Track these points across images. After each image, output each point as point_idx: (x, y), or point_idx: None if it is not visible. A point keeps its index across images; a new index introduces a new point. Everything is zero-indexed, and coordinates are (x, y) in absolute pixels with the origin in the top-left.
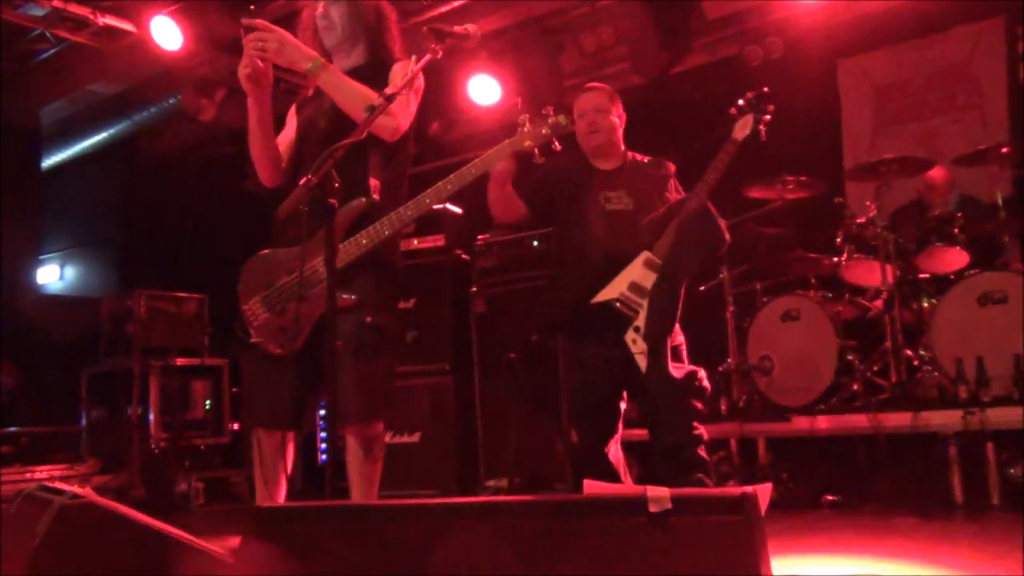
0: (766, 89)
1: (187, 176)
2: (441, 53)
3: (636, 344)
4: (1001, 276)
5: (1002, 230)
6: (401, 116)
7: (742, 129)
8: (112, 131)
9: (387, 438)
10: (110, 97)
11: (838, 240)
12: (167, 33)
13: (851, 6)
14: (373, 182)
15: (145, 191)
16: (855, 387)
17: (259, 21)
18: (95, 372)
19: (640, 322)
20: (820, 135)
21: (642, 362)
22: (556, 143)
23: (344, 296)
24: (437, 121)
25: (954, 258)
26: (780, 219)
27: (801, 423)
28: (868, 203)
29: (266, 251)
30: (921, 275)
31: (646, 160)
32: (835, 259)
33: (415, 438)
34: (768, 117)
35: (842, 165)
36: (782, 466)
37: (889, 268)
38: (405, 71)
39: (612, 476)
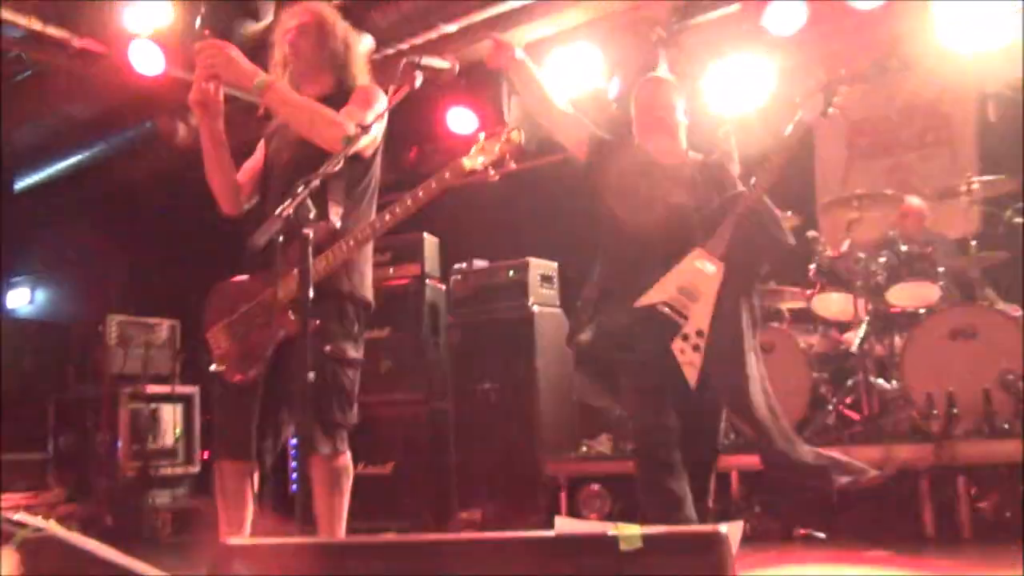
0: (843, 71)
1: (161, 200)
2: (418, 84)
3: (684, 354)
4: (971, 311)
5: (972, 265)
6: (348, 127)
7: (810, 111)
8: (86, 154)
9: (359, 468)
10: (85, 120)
11: (811, 274)
12: (146, 56)
13: (825, 43)
14: (335, 208)
15: (119, 214)
16: (828, 420)
17: (209, 40)
18: (63, 398)
19: (690, 328)
20: (793, 169)
21: (691, 375)
22: (511, 161)
23: (300, 322)
24: (415, 148)
25: (925, 293)
26: None
27: None
28: (840, 237)
29: (232, 279)
30: (893, 309)
31: (709, 159)
32: (808, 292)
33: (387, 469)
34: (843, 94)
35: (815, 199)
36: (755, 499)
37: (861, 302)
38: (365, 94)
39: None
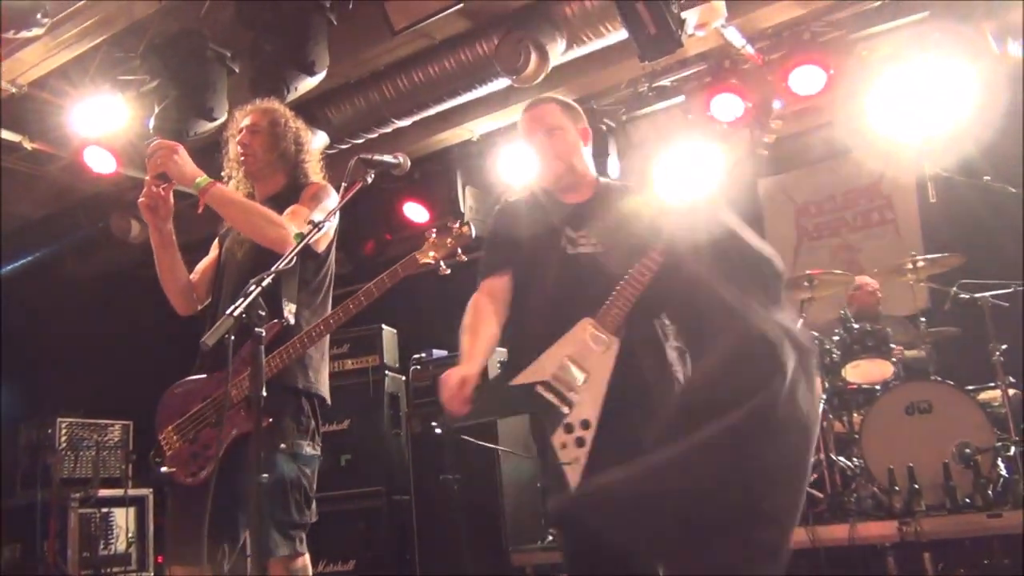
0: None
1: (114, 298)
2: (371, 180)
3: (566, 450)
4: (925, 386)
5: (922, 341)
6: (289, 228)
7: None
8: (37, 254)
9: (320, 567)
10: (37, 219)
11: None
12: (99, 156)
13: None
14: (289, 305)
15: (70, 313)
16: None
17: (158, 142)
18: (10, 505)
19: (574, 418)
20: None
21: (572, 476)
22: (462, 254)
23: (253, 420)
24: (371, 241)
25: (880, 370)
26: None
27: None
28: (794, 317)
29: (184, 380)
30: (850, 386)
31: (621, 185)
32: None
33: (349, 566)
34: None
35: None
36: None
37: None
38: (314, 192)
39: None
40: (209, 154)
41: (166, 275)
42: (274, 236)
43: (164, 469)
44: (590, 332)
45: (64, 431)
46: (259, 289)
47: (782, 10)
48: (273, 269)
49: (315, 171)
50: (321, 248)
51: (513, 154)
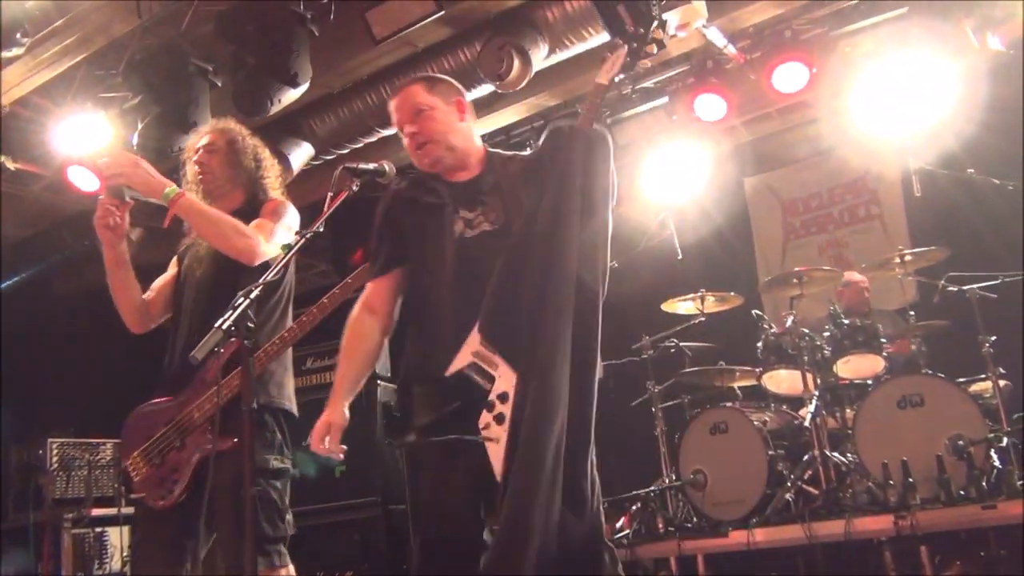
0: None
1: (101, 316)
2: (357, 189)
3: (488, 429)
4: (916, 380)
5: (911, 334)
6: (258, 238)
7: (609, 70)
8: (24, 274)
9: None
10: (21, 240)
11: (759, 352)
12: (83, 177)
13: (753, 129)
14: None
15: (58, 333)
16: (788, 496)
17: (115, 151)
18: (1, 529)
19: (494, 394)
20: (735, 250)
21: (495, 456)
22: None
23: (223, 438)
24: (360, 250)
25: (871, 364)
26: (702, 334)
27: (739, 537)
28: (784, 314)
29: (147, 403)
30: (841, 382)
31: (512, 154)
32: (758, 370)
33: None
34: (648, 48)
35: (757, 279)
36: None
37: (810, 376)
38: (274, 208)
39: None
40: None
41: (119, 293)
42: (242, 246)
43: (134, 495)
44: None
45: (55, 451)
46: (247, 301)
47: (762, 9)
48: (261, 281)
49: (274, 187)
50: (262, 249)
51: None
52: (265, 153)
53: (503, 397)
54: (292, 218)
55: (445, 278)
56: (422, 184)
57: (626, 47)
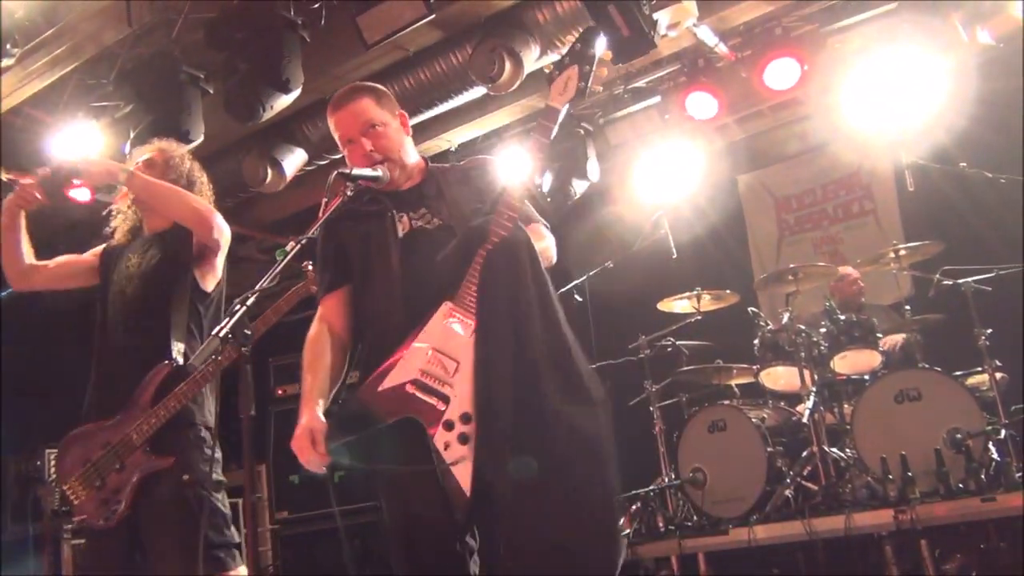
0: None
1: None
2: (351, 194)
3: (450, 450)
4: (913, 374)
5: (907, 328)
6: (211, 208)
7: (561, 92)
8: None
9: None
10: None
11: (756, 349)
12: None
13: (745, 126)
14: (177, 345)
15: (53, 343)
16: (787, 493)
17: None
18: (2, 540)
19: (453, 413)
20: (730, 248)
21: (463, 477)
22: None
23: (162, 458)
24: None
25: (867, 359)
26: (699, 332)
27: (739, 534)
28: (780, 311)
29: (79, 428)
30: (839, 377)
31: (454, 165)
32: (755, 367)
33: None
34: (603, 59)
35: (753, 276)
36: None
37: (807, 372)
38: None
39: None
40: None
41: (7, 255)
42: (199, 219)
43: (76, 518)
44: (451, 317)
45: (53, 462)
46: (244, 309)
47: (752, 7)
48: (257, 287)
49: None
50: (210, 287)
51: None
52: (202, 177)
53: (465, 418)
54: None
55: (393, 282)
56: (361, 196)
57: (577, 68)
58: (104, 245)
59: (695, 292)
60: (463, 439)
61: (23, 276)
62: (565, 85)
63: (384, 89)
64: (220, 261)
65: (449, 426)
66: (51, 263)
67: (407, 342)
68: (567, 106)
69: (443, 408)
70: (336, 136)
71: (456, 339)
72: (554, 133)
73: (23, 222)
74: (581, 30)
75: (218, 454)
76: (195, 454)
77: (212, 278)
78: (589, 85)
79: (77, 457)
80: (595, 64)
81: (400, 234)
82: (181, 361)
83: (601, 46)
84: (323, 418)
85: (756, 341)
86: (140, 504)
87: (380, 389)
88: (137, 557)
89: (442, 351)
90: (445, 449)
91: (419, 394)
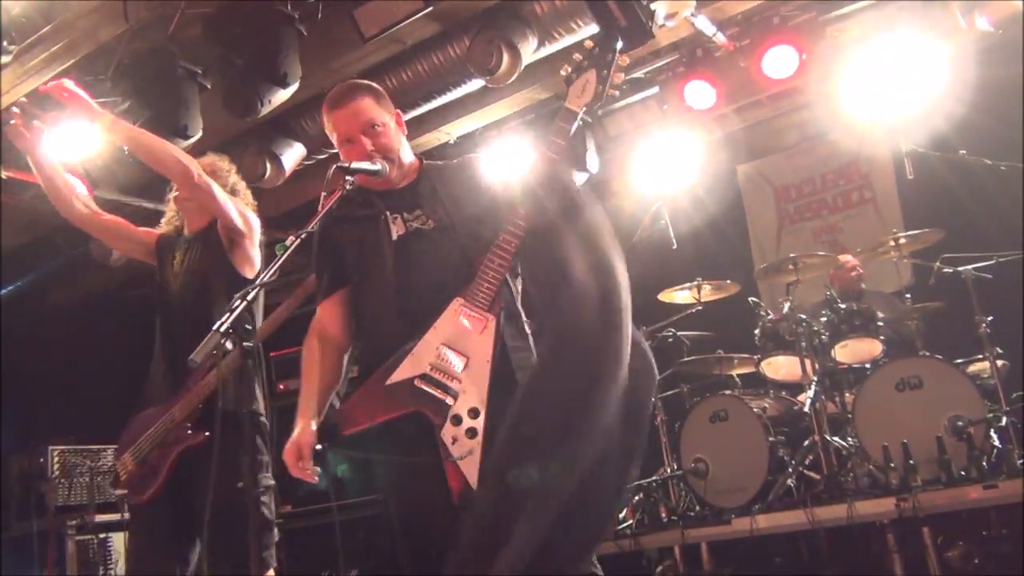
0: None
1: (98, 322)
2: (350, 188)
3: (457, 444)
4: (914, 362)
5: (908, 317)
6: (197, 168)
7: (579, 95)
8: (19, 282)
9: None
10: (14, 248)
11: (756, 339)
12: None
13: (744, 116)
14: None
15: (55, 340)
16: (789, 482)
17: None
18: (4, 538)
19: (461, 408)
20: (730, 238)
21: (469, 471)
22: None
23: (195, 433)
24: None
25: (868, 348)
26: (699, 322)
27: (742, 524)
28: (780, 300)
29: (144, 410)
30: (840, 366)
31: (448, 163)
32: (756, 357)
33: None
34: (620, 64)
35: (753, 266)
36: (726, 569)
37: (808, 362)
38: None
39: None
40: None
41: (50, 194)
42: (179, 171)
43: (117, 492)
44: (463, 313)
45: (56, 459)
46: (244, 304)
47: None
48: (258, 283)
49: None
50: (250, 275)
51: (493, 154)
52: (245, 187)
53: (474, 413)
54: (254, 219)
55: (389, 281)
56: (353, 200)
57: (595, 71)
58: (159, 232)
59: (695, 282)
60: (471, 433)
61: (74, 216)
62: (583, 88)
63: (380, 88)
64: (254, 251)
65: (457, 420)
66: (107, 216)
67: (419, 336)
68: (584, 108)
69: (451, 403)
70: (333, 134)
71: (467, 335)
72: (571, 133)
73: (46, 161)
74: (579, 22)
75: (266, 457)
76: (225, 440)
77: (249, 267)
78: (607, 89)
79: (133, 435)
80: (613, 69)
81: (395, 236)
82: (228, 347)
83: (618, 50)
84: (314, 432)
85: (757, 331)
86: (186, 490)
87: (388, 383)
88: (183, 540)
89: (452, 346)
90: (452, 443)
91: (427, 388)
